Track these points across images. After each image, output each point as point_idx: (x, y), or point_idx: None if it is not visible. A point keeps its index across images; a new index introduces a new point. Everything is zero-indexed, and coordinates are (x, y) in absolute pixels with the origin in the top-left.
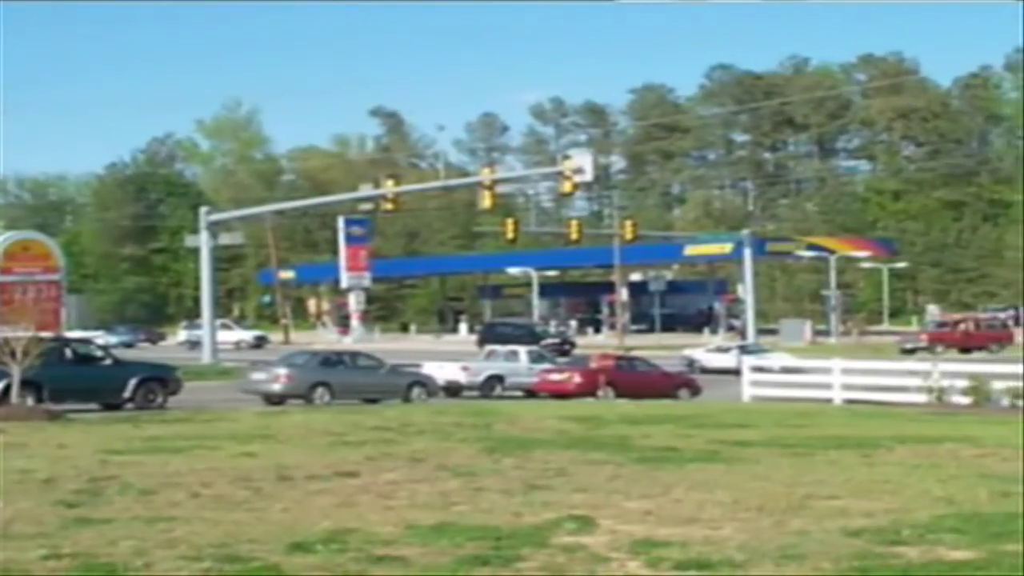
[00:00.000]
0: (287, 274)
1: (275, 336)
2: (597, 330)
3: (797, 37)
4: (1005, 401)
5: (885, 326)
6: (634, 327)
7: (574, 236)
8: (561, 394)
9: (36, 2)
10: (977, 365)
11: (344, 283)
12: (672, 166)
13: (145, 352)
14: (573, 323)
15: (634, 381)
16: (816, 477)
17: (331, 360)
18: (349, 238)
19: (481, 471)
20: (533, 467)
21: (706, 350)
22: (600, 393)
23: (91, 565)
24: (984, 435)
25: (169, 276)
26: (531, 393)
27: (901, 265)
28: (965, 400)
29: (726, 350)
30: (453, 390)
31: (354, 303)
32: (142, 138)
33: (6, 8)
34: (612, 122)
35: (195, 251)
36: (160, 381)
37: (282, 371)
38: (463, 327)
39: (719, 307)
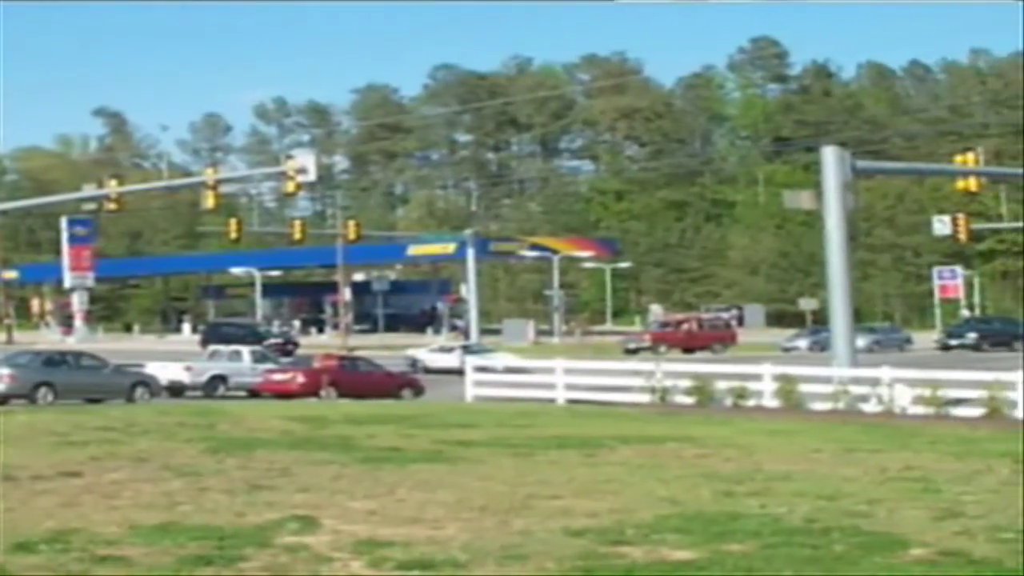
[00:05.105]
0: (10, 274)
1: None
2: (320, 330)
3: (520, 37)
4: (728, 401)
5: (608, 326)
6: (357, 327)
7: (297, 236)
8: (284, 394)
9: None
10: (700, 365)
11: (67, 283)
12: (395, 166)
13: None
14: (296, 323)
15: (357, 381)
16: (539, 477)
17: (54, 360)
18: (72, 238)
19: (205, 471)
20: (256, 467)
21: (429, 350)
22: (323, 393)
23: None
24: (707, 435)
25: None
26: (254, 393)
27: (624, 265)
28: (688, 400)
29: (449, 350)
30: (176, 390)
31: (77, 303)
32: None
33: None
34: (335, 122)
35: None
36: None
37: (4, 371)
38: (187, 327)
39: (442, 307)
